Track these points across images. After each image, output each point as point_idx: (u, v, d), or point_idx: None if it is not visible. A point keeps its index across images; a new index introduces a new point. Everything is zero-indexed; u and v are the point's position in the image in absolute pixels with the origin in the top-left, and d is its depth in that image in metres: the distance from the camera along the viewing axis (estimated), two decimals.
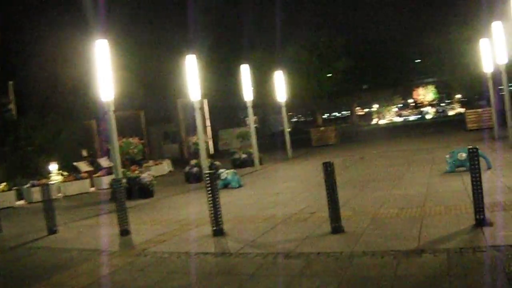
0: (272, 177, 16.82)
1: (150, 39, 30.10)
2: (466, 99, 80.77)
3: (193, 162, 18.03)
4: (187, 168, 17.98)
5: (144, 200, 13.89)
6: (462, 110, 66.12)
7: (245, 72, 20.11)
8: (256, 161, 19.95)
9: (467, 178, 10.98)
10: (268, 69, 29.30)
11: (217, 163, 18.35)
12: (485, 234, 6.19)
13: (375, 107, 75.18)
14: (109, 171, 18.93)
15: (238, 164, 21.37)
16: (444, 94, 77.53)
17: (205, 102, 31.18)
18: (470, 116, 28.47)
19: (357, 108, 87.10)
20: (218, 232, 7.66)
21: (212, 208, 7.62)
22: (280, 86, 24.00)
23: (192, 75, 15.88)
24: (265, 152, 23.96)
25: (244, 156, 21.49)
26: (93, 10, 18.49)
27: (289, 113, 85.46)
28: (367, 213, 8.28)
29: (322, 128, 30.60)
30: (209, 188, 7.65)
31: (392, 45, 60.06)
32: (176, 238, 8.08)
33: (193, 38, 26.67)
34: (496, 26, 17.41)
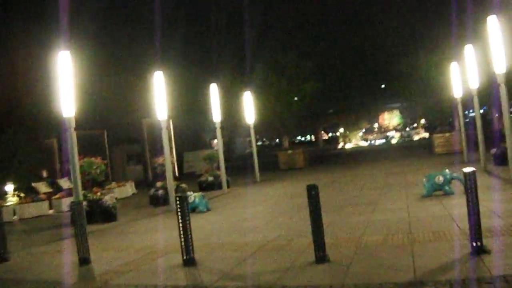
0: (241, 200, 16.12)
1: (116, 54, 29.22)
2: (429, 124, 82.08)
3: (158, 184, 17.26)
4: (152, 191, 17.21)
5: (107, 224, 13.09)
6: (426, 135, 66.72)
7: (214, 91, 19.46)
8: (224, 184, 19.26)
9: (446, 202, 10.62)
10: (236, 90, 28.84)
11: (184, 185, 17.62)
12: (485, 263, 5.66)
13: (341, 131, 75.30)
14: (70, 192, 17.97)
15: (205, 187, 20.66)
16: (409, 119, 78.24)
17: (171, 122, 30.45)
18: (438, 140, 28.33)
19: (322, 132, 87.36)
20: (190, 261, 6.94)
21: (182, 235, 6.90)
22: (249, 107, 23.45)
23: (159, 93, 15.14)
24: (232, 175, 23.34)
25: (211, 178, 20.78)
26: (56, 21, 17.71)
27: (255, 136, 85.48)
28: (350, 240, 7.68)
29: (290, 151, 30.05)
30: (180, 213, 6.94)
31: (358, 70, 60.28)
32: (143, 268, 7.32)
33: (160, 55, 25.96)
34: (468, 50, 17.17)
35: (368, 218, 9.48)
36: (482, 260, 5.74)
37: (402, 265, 5.90)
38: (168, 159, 15.38)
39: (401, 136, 67.17)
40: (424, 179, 11.94)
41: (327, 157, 44.36)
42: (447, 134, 28.29)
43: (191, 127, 48.31)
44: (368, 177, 19.24)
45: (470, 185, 6.16)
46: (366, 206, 11.16)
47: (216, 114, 19.25)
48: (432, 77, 29.99)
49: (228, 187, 19.97)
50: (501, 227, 7.38)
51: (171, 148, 29.94)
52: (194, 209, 13.31)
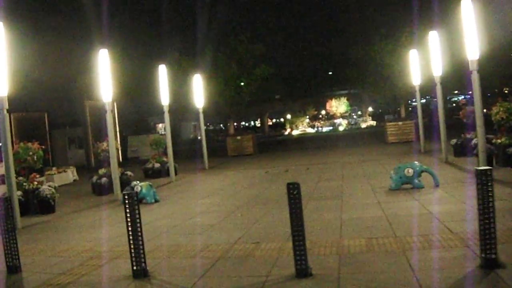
0: (191, 190, 14.92)
1: (57, 29, 27.27)
2: (378, 112, 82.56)
3: (101, 171, 15.95)
4: (94, 178, 15.85)
5: (44, 216, 11.72)
6: (373, 123, 66.95)
7: (162, 73, 18.19)
8: (172, 171, 18.06)
9: (420, 197, 9.75)
10: (184, 73, 27.58)
11: (129, 173, 16.38)
12: (504, 279, 4.69)
13: (288, 117, 74.78)
14: (3, 179, 16.47)
15: (151, 174, 19.48)
16: (356, 106, 78.47)
17: (115, 105, 29.01)
18: (391, 129, 27.89)
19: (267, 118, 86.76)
20: (141, 273, 5.67)
21: (132, 242, 5.66)
22: (198, 91, 22.31)
23: (103, 73, 13.76)
24: (179, 161, 22.21)
25: (157, 165, 19.58)
26: None
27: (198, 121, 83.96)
28: (328, 245, 6.55)
29: (238, 137, 29.04)
30: (128, 215, 5.78)
31: (308, 56, 59.75)
32: (84, 278, 5.99)
33: (106, 32, 24.32)
34: (433, 36, 16.49)
35: (338, 216, 8.52)
36: (499, 276, 4.77)
37: (404, 281, 4.88)
38: (113, 144, 14.10)
39: (349, 123, 67.23)
40: (391, 171, 11.14)
41: (276, 144, 43.65)
42: (400, 123, 27.88)
43: (136, 110, 46.84)
44: (323, 166, 18.43)
45: (483, 184, 5.06)
46: (331, 201, 10.21)
47: (164, 97, 18.00)
48: (387, 64, 29.44)
49: (176, 174, 18.89)
50: (503, 232, 6.24)
51: (115, 132, 28.61)
52: (140, 200, 12.21)
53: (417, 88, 20.56)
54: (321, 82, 78.34)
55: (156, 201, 12.30)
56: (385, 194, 10.58)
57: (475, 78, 11.86)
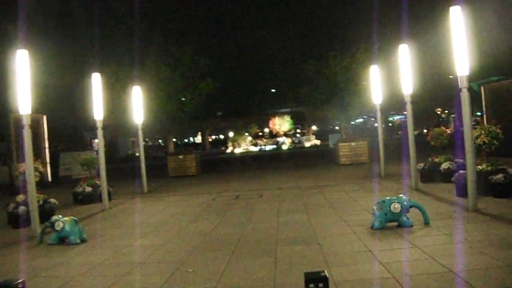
0: (127, 224, 12.27)
1: None
2: (320, 130, 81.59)
3: (19, 198, 13.31)
4: (11, 206, 13.20)
5: None
6: (317, 142, 65.65)
7: (96, 83, 15.71)
8: (105, 197, 15.51)
9: (415, 240, 7.69)
10: (122, 85, 25.11)
11: (53, 200, 13.74)
12: None
13: (230, 134, 72.64)
14: None
15: (81, 200, 16.88)
16: (299, 124, 77.21)
17: (44, 118, 26.13)
18: (343, 150, 26.16)
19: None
20: None
21: None
22: (137, 105, 19.90)
23: (22, 80, 11.23)
24: (115, 182, 19.75)
25: (89, 189, 17.00)
26: None
27: (136, 137, 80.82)
28: None
29: (181, 157, 26.61)
30: None
31: (251, 72, 58.07)
32: None
33: (29, 30, 21.47)
34: (403, 50, 14.76)
35: (330, 276, 6.38)
36: None
37: None
38: (30, 166, 11.52)
39: (292, 142, 65.67)
40: (374, 207, 9.12)
41: (218, 162, 41.30)
42: (353, 143, 26.19)
43: (71, 123, 43.88)
44: (278, 192, 16.34)
45: None
46: (306, 247, 8.02)
47: (98, 110, 15.52)
48: (340, 81, 27.79)
49: (110, 200, 16.41)
50: None
51: (43, 148, 25.73)
52: (63, 239, 9.77)
53: (378, 107, 18.91)
54: (263, 100, 76.76)
55: (83, 240, 9.83)
56: (370, 235, 8.54)
57: (464, 96, 10.20)
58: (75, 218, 10.01)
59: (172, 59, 27.58)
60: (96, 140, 69.42)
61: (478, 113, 27.20)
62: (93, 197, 16.76)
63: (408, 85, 14.47)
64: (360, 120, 79.63)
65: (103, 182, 15.51)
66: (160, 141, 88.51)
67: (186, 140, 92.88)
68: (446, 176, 14.72)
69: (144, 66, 27.44)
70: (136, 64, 27.20)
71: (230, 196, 16.21)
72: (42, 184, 24.86)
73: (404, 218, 8.93)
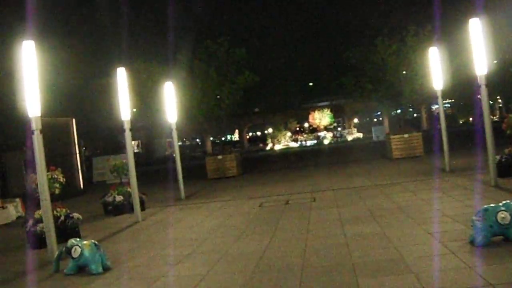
0: (160, 241, 10.35)
1: None
2: (361, 122, 79.10)
3: (38, 214, 11.56)
4: (28, 225, 11.48)
5: None
6: (360, 135, 63.27)
7: (122, 78, 13.83)
8: (136, 207, 13.65)
9: None
10: (155, 83, 23.32)
11: (76, 215, 11.89)
12: None
13: (269, 131, 70.61)
14: None
15: (112, 210, 15.14)
16: (341, 118, 74.89)
17: (73, 122, 24.57)
18: (396, 143, 23.90)
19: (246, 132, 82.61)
20: None
21: None
22: (170, 102, 18.05)
23: (29, 78, 9.41)
24: (150, 186, 17.97)
25: (119, 198, 15.20)
26: None
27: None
28: None
29: (220, 157, 24.68)
30: None
31: (288, 64, 56.01)
32: None
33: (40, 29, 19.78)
34: (474, 24, 12.52)
35: None
36: None
37: None
38: (43, 178, 9.66)
39: (334, 136, 63.39)
40: (474, 217, 7.02)
41: (259, 161, 39.31)
42: (406, 135, 23.90)
43: (105, 126, 42.54)
44: (331, 193, 14.30)
45: None
46: (400, 278, 5.83)
47: (125, 109, 13.65)
48: (391, 68, 25.51)
49: (143, 209, 14.65)
50: None
51: (74, 153, 24.19)
52: (83, 268, 7.93)
53: (439, 93, 16.66)
54: (302, 94, 74.71)
55: (106, 269, 7.96)
56: (476, 256, 6.45)
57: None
58: (95, 242, 8.10)
59: (206, 53, 25.62)
60: (133, 142, 68.39)
61: None
62: (125, 207, 14.96)
63: (481, 65, 12.23)
64: (398, 111, 77.01)
65: (134, 190, 13.64)
66: (197, 140, 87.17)
67: (223, 138, 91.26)
68: None
69: (177, 62, 25.57)
70: (168, 59, 25.42)
71: (278, 201, 14.23)
72: (73, 193, 23.44)
73: None
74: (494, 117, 72.98)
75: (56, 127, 23.52)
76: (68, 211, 11.80)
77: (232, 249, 8.61)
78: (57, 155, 23.23)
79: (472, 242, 6.99)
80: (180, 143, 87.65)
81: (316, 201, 13.21)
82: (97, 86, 26.74)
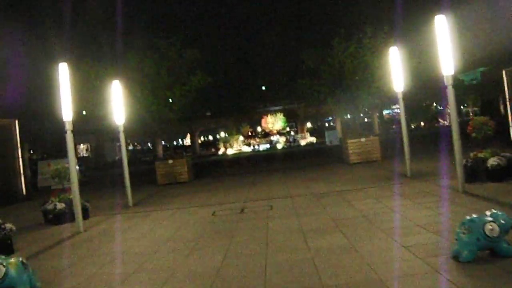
0: (103, 255, 9.21)
1: None
2: (317, 127, 78.80)
3: None
4: None
5: None
6: (313, 139, 62.89)
7: (63, 74, 12.60)
8: (78, 216, 12.44)
9: None
10: (103, 82, 22.05)
11: (9, 226, 10.61)
12: None
13: (222, 135, 69.52)
14: None
15: (52, 220, 13.91)
16: (293, 122, 74.42)
17: (16, 123, 23.01)
18: (352, 147, 23.25)
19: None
20: None
21: None
22: (117, 102, 16.88)
23: None
24: (96, 193, 16.78)
25: (60, 206, 13.96)
26: None
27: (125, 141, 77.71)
28: None
29: (170, 161, 23.48)
30: None
31: (241, 68, 55.17)
32: None
33: None
34: (439, 21, 11.87)
35: None
36: None
37: None
38: None
39: (287, 140, 62.78)
40: (459, 229, 6.25)
41: (211, 165, 38.27)
42: (363, 139, 23.28)
43: (52, 127, 40.72)
44: (290, 201, 13.41)
45: None
46: None
47: (66, 109, 12.45)
48: (347, 70, 24.84)
49: (85, 218, 13.50)
50: None
51: (16, 157, 22.72)
52: None
53: (400, 95, 16.04)
54: (255, 98, 74.03)
55: None
56: (465, 276, 5.65)
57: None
58: (23, 260, 6.94)
59: (158, 52, 24.41)
60: (82, 146, 65.93)
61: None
62: (67, 216, 13.73)
63: (448, 64, 11.60)
64: (349, 116, 77.14)
65: (75, 197, 12.45)
66: (149, 144, 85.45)
67: (175, 143, 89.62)
68: (494, 174, 12.45)
69: (127, 61, 24.29)
70: (117, 58, 24.16)
71: (232, 209, 13.27)
72: (14, 199, 21.95)
73: (504, 244, 6.10)
74: (445, 122, 73.85)
75: None
76: (0, 221, 10.58)
77: (182, 267, 7.60)
78: None
79: (456, 257, 6.22)
80: (131, 148, 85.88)
81: (274, 209, 12.31)
82: (44, 85, 25.23)
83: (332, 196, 13.51)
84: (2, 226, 10.40)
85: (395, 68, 16.11)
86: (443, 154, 20.28)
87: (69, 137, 12.36)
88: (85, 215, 14.01)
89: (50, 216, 14.02)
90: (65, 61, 12.65)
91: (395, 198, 11.91)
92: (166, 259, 8.21)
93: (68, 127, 12.29)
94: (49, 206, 14.10)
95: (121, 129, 16.73)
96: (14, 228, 10.54)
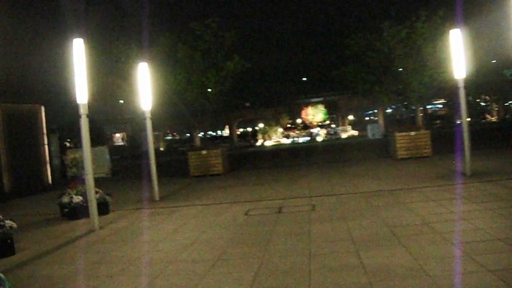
0: (112, 262, 7.65)
1: None
2: (357, 120, 76.62)
3: None
4: None
5: None
6: (355, 132, 60.86)
7: (78, 53, 11.08)
8: (93, 212, 10.96)
9: None
10: (135, 68, 20.63)
11: (9, 223, 9.11)
12: None
13: (260, 126, 67.91)
14: None
15: (67, 214, 12.52)
16: (334, 114, 72.36)
17: (42, 109, 21.81)
18: (401, 141, 21.30)
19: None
20: None
21: None
22: (145, 87, 15.36)
23: None
24: (124, 184, 15.36)
25: (77, 199, 12.53)
26: None
27: (163, 130, 76.89)
28: None
29: (204, 152, 21.91)
30: None
31: (282, 55, 53.47)
32: None
33: None
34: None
35: None
36: None
37: None
38: None
39: (327, 133, 60.87)
40: None
41: (248, 157, 36.68)
42: (412, 133, 21.30)
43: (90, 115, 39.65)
44: (335, 200, 11.68)
45: None
46: None
47: (81, 90, 10.91)
48: (399, 56, 22.87)
49: (105, 213, 12.14)
50: None
51: (41, 145, 21.56)
52: None
53: (461, 83, 14.05)
54: (295, 88, 72.26)
55: None
56: None
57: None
58: (0, 275, 5.44)
59: (192, 36, 22.79)
60: (118, 135, 65.03)
61: None
62: (84, 210, 12.26)
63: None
64: (389, 110, 74.74)
65: (89, 190, 10.97)
66: (188, 135, 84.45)
67: (213, 133, 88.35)
68: None
69: (160, 45, 22.76)
70: (151, 42, 22.64)
71: (268, 207, 11.62)
72: (39, 188, 20.76)
73: None
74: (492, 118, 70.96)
75: (22, 115, 20.94)
76: (0, 217, 9.14)
77: (203, 284, 5.98)
78: (24, 145, 20.67)
79: None
80: (170, 137, 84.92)
81: (317, 210, 10.61)
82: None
83: (383, 195, 11.73)
84: (1, 224, 8.97)
85: (457, 53, 14.14)
86: (500, 151, 18.38)
87: (84, 122, 10.86)
88: (105, 209, 12.68)
89: (66, 210, 12.64)
90: (80, 37, 11.12)
91: (459, 202, 10.04)
92: (185, 272, 6.62)
93: (83, 111, 10.80)
94: (65, 199, 12.68)
95: (148, 115, 15.23)
96: (15, 225, 9.09)
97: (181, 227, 10.09)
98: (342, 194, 12.65)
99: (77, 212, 12.35)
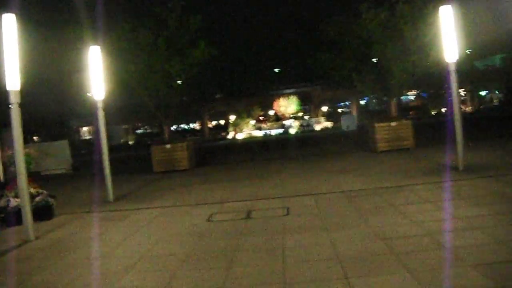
0: (45, 284, 6.13)
1: None
2: (331, 110, 75.27)
3: None
4: None
5: None
6: (328, 124, 59.57)
7: (9, 30, 9.22)
8: (27, 219, 9.15)
9: None
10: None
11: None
12: None
13: (232, 118, 66.10)
14: None
15: (4, 219, 10.64)
16: (308, 106, 70.94)
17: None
18: (381, 132, 19.80)
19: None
20: None
21: None
22: (97, 73, 13.54)
23: None
24: (79, 182, 14.81)
25: (16, 202, 10.71)
26: None
27: (132, 123, 74.76)
28: None
29: (168, 146, 20.12)
30: None
31: (252, 44, 51.85)
32: None
33: None
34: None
35: None
36: None
37: None
38: None
39: (301, 125, 59.38)
40: None
41: (218, 150, 34.94)
42: (393, 124, 19.82)
43: (52, 109, 37.99)
44: (313, 201, 10.04)
45: None
46: None
47: (12, 75, 9.12)
48: (378, 41, 21.40)
49: (49, 218, 10.40)
50: None
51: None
52: None
53: (452, 67, 12.50)
54: (267, 80, 70.81)
55: None
56: None
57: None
58: None
59: (154, 20, 21.03)
60: (85, 128, 62.86)
61: None
62: (21, 215, 10.49)
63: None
64: (362, 102, 73.74)
65: (22, 194, 9.18)
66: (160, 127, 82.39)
67: (186, 127, 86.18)
68: None
69: (120, 30, 20.94)
70: (108, 26, 20.80)
71: (236, 211, 9.97)
72: None
73: None
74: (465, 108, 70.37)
75: None
76: None
77: None
78: None
79: None
80: (140, 131, 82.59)
81: (292, 215, 8.99)
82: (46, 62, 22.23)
83: (369, 195, 10.15)
84: None
85: (447, 33, 12.60)
86: (482, 143, 17.18)
87: (15, 112, 9.05)
88: (48, 214, 11.00)
89: (2, 216, 10.83)
90: (11, 12, 9.32)
91: (460, 203, 8.49)
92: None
93: (14, 99, 9.00)
94: (1, 203, 10.88)
95: (100, 105, 13.39)
96: None
97: (129, 238, 8.37)
98: (320, 193, 11.05)
99: (16, 217, 10.54)
